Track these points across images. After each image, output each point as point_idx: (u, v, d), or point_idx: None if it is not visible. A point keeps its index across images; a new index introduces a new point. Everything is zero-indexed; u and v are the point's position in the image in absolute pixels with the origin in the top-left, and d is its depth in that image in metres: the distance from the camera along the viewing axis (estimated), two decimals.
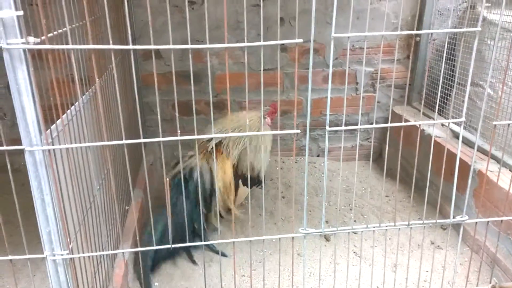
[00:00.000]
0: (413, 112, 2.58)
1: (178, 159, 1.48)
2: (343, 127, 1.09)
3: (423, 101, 1.60)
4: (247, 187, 2.04)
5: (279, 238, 1.16)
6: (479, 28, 1.04)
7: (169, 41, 1.02)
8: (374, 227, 1.22)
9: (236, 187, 2.04)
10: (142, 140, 0.95)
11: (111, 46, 0.85)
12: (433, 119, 2.37)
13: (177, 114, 1.21)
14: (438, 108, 2.38)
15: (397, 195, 2.41)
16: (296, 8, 1.02)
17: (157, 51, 2.34)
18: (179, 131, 1.01)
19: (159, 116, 1.03)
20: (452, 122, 1.19)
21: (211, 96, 2.55)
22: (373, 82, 2.67)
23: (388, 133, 1.21)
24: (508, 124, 1.13)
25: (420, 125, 1.36)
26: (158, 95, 2.46)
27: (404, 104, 2.72)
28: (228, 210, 2.05)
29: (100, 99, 0.87)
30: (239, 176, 2.04)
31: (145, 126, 2.56)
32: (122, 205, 1.69)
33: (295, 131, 1.09)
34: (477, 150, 2.03)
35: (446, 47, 1.72)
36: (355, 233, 2.05)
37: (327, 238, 2.04)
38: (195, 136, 1.02)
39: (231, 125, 2.00)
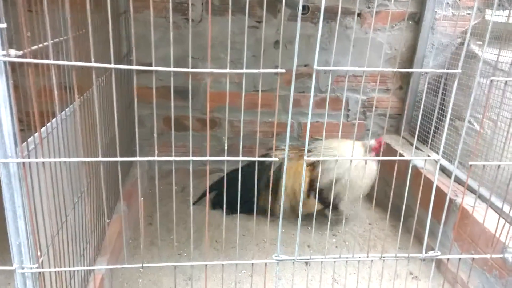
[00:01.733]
0: (402, 142, 2.60)
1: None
2: (321, 158, 1.10)
3: (416, 133, 1.62)
4: (320, 203, 2.21)
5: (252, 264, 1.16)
6: (459, 71, 1.07)
7: (164, 55, 1.04)
8: (347, 257, 1.22)
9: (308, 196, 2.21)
10: (118, 159, 0.95)
11: (92, 64, 0.87)
12: (421, 150, 2.39)
13: (172, 136, 1.22)
14: (427, 140, 2.40)
15: (381, 224, 2.41)
16: (297, 32, 1.04)
17: (150, 64, 2.36)
18: (156, 152, 1.02)
19: (155, 135, 1.04)
20: (430, 159, 1.20)
21: (207, 113, 2.57)
22: (364, 110, 2.69)
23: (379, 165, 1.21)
24: (483, 166, 1.14)
25: (409, 157, 1.38)
26: (149, 109, 2.49)
27: (394, 133, 2.74)
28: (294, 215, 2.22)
29: (79, 115, 0.88)
30: (313, 189, 2.19)
31: (135, 139, 2.56)
32: (102, 219, 1.69)
33: (273, 159, 1.10)
34: (460, 184, 2.05)
35: (426, 83, 1.74)
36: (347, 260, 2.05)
37: (306, 262, 2.03)
38: (169, 158, 1.03)
39: (331, 148, 2.12)
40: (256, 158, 1.08)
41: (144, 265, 1.05)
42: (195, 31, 2.43)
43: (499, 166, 1.16)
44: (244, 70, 1.03)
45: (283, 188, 1.03)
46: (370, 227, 2.41)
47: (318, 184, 1.96)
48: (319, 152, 2.15)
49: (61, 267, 1.12)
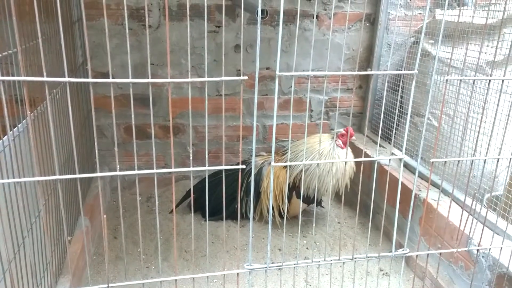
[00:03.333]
0: (366, 140, 2.64)
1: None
2: (288, 163, 1.10)
3: (380, 132, 1.64)
4: (306, 203, 2.27)
5: (224, 275, 1.14)
6: (416, 71, 1.08)
7: (123, 63, 1.00)
8: (319, 262, 1.22)
9: (290, 198, 2.28)
10: (77, 176, 0.91)
11: (44, 79, 0.82)
12: (384, 147, 2.43)
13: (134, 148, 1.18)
14: (388, 137, 2.45)
15: (350, 222, 2.44)
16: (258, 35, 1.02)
17: (107, 73, 2.30)
18: (118, 166, 0.98)
19: (115, 148, 0.99)
20: (394, 158, 1.21)
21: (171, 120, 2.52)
22: (327, 110, 2.72)
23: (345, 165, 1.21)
24: (444, 162, 1.17)
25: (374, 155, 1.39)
26: (109, 119, 2.42)
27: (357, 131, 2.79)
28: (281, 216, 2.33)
29: (33, 131, 0.83)
30: (294, 188, 2.25)
31: (95, 150, 2.47)
32: (62, 237, 1.61)
33: (240, 166, 1.08)
34: (424, 179, 2.10)
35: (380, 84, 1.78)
36: (319, 264, 2.05)
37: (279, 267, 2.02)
38: (135, 172, 0.99)
39: (301, 145, 2.21)
40: (223, 167, 1.05)
41: (110, 284, 1.00)
42: (154, 37, 2.37)
43: (458, 162, 1.19)
44: (206, 79, 1.00)
45: (271, 193, 1.01)
46: (340, 226, 2.43)
47: (288, 180, 1.98)
48: (293, 152, 2.19)
49: None
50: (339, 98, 2.70)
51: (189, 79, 0.98)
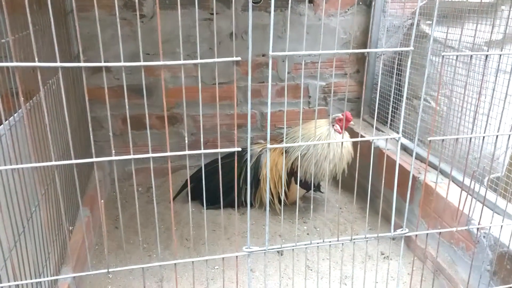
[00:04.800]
0: (364, 125, 2.64)
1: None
2: (284, 144, 1.09)
3: (375, 115, 1.64)
4: (305, 189, 2.28)
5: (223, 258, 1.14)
6: (411, 48, 1.08)
7: (118, 54, 0.99)
8: (318, 243, 1.22)
9: (289, 184, 2.29)
10: (73, 161, 0.91)
11: (37, 64, 0.82)
12: (382, 131, 2.43)
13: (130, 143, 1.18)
14: (386, 120, 2.45)
15: (349, 207, 2.44)
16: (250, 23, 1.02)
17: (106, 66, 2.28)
18: (113, 151, 0.98)
19: (110, 134, 0.99)
20: (390, 137, 1.21)
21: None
22: (325, 96, 2.71)
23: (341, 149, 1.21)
24: (442, 140, 1.17)
25: (372, 138, 1.39)
26: (106, 110, 2.40)
27: (356, 117, 2.78)
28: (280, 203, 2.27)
29: (29, 120, 0.83)
30: (293, 174, 2.26)
31: (93, 141, 2.47)
32: (63, 226, 1.62)
33: (235, 149, 1.08)
34: (424, 162, 2.10)
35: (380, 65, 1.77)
36: (318, 246, 2.06)
37: (280, 252, 2.04)
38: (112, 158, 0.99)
39: (298, 130, 2.22)
40: (218, 150, 1.05)
41: (110, 269, 1.01)
42: (148, 27, 2.36)
43: (456, 139, 1.19)
44: (199, 61, 1.00)
45: (267, 179, 1.02)
46: (339, 211, 2.43)
47: (285, 166, 1.98)
48: (291, 138, 2.20)
49: (21, 280, 1.07)
50: (337, 83, 2.69)
51: (181, 62, 0.97)
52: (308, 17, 2.50)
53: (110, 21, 2.29)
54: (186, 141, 1.07)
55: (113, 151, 0.95)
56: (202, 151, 1.02)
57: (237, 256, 1.13)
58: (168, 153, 0.98)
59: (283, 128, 2.67)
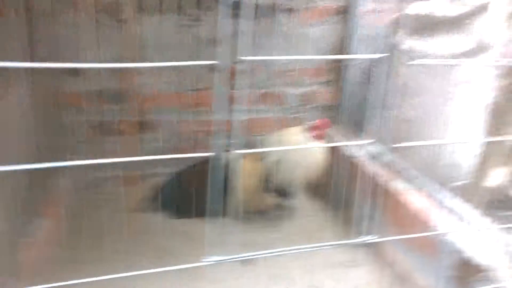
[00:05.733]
0: (340, 133, 2.66)
1: None
2: (248, 150, 1.10)
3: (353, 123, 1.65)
4: (278, 196, 2.25)
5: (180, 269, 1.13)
6: (382, 55, 1.10)
7: (95, 59, 0.98)
8: (280, 251, 1.22)
9: (261, 192, 2.25)
10: (19, 167, 0.89)
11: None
12: (356, 139, 2.45)
13: None
14: (362, 129, 2.47)
15: (320, 214, 2.44)
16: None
17: (76, 69, 2.25)
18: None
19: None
20: (360, 143, 1.23)
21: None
22: (302, 104, 2.73)
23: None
24: (409, 147, 1.19)
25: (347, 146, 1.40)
26: (76, 115, 2.38)
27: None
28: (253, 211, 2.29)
29: None
30: (270, 183, 2.22)
31: (63, 148, 2.42)
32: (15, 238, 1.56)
33: (209, 153, 1.08)
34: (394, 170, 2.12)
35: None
36: (279, 255, 2.06)
37: (251, 261, 2.02)
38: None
39: (274, 138, 2.23)
40: (189, 155, 1.05)
41: (67, 282, 0.98)
42: (128, 32, 2.34)
43: (421, 146, 1.21)
44: (172, 63, 1.01)
45: (236, 186, 1.01)
46: (312, 218, 2.43)
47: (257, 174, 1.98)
48: (266, 146, 2.19)
49: None
50: (315, 91, 2.72)
51: (155, 63, 0.97)
52: (288, 26, 2.52)
53: (89, 25, 2.27)
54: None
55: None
56: (173, 156, 1.02)
57: (196, 267, 1.12)
58: (138, 158, 0.97)
59: (260, 135, 2.69)
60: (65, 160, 1.00)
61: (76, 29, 2.25)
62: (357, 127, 2.56)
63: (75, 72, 2.26)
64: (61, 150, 2.35)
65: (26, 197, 1.71)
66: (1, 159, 1.26)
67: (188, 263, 1.11)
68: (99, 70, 2.22)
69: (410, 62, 1.18)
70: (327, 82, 2.73)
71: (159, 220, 2.30)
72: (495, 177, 1.79)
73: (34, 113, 1.79)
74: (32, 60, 1.90)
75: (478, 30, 1.76)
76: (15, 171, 0.86)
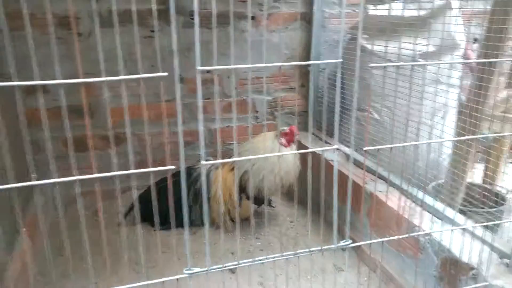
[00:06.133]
0: (312, 138, 2.67)
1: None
2: (219, 160, 1.08)
3: (324, 128, 1.65)
4: (254, 204, 2.23)
5: (163, 282, 1.09)
6: (340, 60, 1.10)
7: (54, 74, 0.94)
8: (261, 260, 1.20)
9: (240, 200, 2.24)
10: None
11: None
12: (328, 143, 2.47)
13: None
14: (333, 133, 2.48)
15: (302, 220, 2.44)
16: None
17: (43, 86, 2.17)
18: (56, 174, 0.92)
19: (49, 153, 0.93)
20: (329, 148, 1.22)
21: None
22: (272, 111, 2.73)
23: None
24: (378, 149, 1.19)
25: (320, 151, 1.39)
26: (47, 132, 2.30)
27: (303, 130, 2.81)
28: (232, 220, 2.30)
29: None
30: (243, 191, 2.23)
31: (33, 166, 2.34)
32: None
33: (170, 167, 1.05)
34: (370, 172, 2.13)
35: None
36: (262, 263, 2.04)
37: (232, 270, 1.99)
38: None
39: (246, 146, 2.24)
40: (151, 169, 1.02)
41: None
42: (86, 45, 2.29)
43: (391, 148, 1.22)
44: (141, 76, 0.98)
45: (204, 196, 0.99)
46: (292, 225, 2.43)
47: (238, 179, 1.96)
48: (239, 154, 2.18)
49: None
50: (283, 98, 2.72)
51: (122, 77, 0.94)
52: (250, 33, 2.52)
53: (44, 39, 2.20)
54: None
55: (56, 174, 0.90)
56: (133, 171, 0.99)
57: (177, 279, 1.09)
58: (115, 173, 0.94)
59: (232, 143, 2.67)
60: (45, 177, 0.98)
61: (38, 45, 2.17)
62: (327, 131, 2.58)
63: (42, 89, 2.18)
64: (37, 167, 2.27)
65: (4, 215, 1.65)
66: None
67: (170, 275, 1.09)
68: (64, 86, 2.14)
69: (375, 65, 1.19)
70: (295, 88, 2.74)
71: (139, 233, 2.25)
72: (473, 175, 1.83)
73: (3, 131, 1.71)
74: None
75: (442, 30, 1.80)
76: None
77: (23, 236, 1.87)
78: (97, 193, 0.99)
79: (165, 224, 2.21)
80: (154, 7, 0.99)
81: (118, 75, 2.53)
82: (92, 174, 0.95)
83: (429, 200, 1.76)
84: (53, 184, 0.92)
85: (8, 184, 0.86)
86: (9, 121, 1.88)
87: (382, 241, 1.47)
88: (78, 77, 0.97)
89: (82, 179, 0.94)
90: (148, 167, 1.02)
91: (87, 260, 2.05)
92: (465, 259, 1.44)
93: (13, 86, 0.86)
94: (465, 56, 2.24)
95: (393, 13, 2.09)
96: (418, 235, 1.63)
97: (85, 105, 0.92)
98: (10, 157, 0.98)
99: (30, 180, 1.97)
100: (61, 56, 2.24)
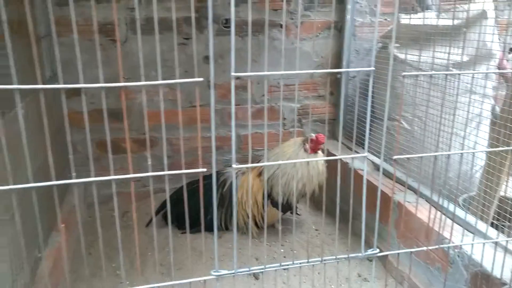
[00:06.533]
0: (338, 145, 2.66)
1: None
2: (250, 165, 1.10)
3: (354, 137, 1.65)
4: (280, 210, 2.22)
5: (190, 283, 1.12)
6: (372, 68, 1.10)
7: (93, 78, 1.00)
8: (287, 265, 1.21)
9: (265, 206, 2.25)
10: (53, 183, 0.89)
11: (16, 86, 0.81)
12: (357, 152, 2.45)
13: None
14: (362, 142, 2.47)
15: (327, 229, 2.43)
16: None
17: (78, 89, 2.27)
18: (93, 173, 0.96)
19: (90, 154, 0.98)
20: (358, 156, 1.22)
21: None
22: (300, 118, 2.74)
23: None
24: (408, 158, 1.18)
25: (344, 158, 1.40)
26: (82, 134, 2.39)
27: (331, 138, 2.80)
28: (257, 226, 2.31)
29: None
30: (270, 197, 2.24)
31: (68, 167, 2.44)
32: (32, 253, 1.57)
33: (201, 169, 1.08)
34: (399, 183, 2.11)
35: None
36: (285, 269, 2.04)
37: (256, 276, 2.01)
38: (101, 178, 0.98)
39: (274, 151, 2.25)
40: (184, 171, 1.05)
41: None
42: (122, 52, 2.37)
43: (421, 158, 1.21)
44: (178, 81, 1.02)
45: (234, 201, 1.01)
46: (317, 233, 2.42)
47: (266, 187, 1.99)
48: (268, 159, 2.20)
49: None
50: (312, 105, 2.73)
51: (159, 82, 0.98)
52: (281, 41, 2.55)
53: (84, 46, 2.30)
54: (149, 162, 1.06)
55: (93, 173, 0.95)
56: (166, 172, 1.02)
57: (205, 280, 1.11)
58: (149, 174, 0.98)
59: (261, 150, 2.69)
60: (80, 176, 1.03)
61: (74, 51, 2.27)
62: (356, 140, 2.56)
63: (78, 92, 2.28)
64: (68, 168, 2.36)
65: (40, 213, 1.73)
66: (15, 178, 1.26)
67: (198, 276, 1.12)
68: (102, 89, 2.23)
69: (408, 73, 1.19)
70: (324, 96, 2.74)
71: (167, 235, 2.30)
72: (505, 188, 1.78)
73: (42, 132, 1.80)
74: (40, 80, 1.91)
75: (477, 39, 1.77)
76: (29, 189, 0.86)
77: (60, 232, 1.94)
78: (132, 194, 1.02)
79: (192, 227, 2.26)
80: (193, 15, 1.03)
81: (152, 79, 2.60)
82: (123, 175, 0.98)
83: (460, 212, 1.72)
84: (83, 184, 0.96)
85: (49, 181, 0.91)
86: (47, 122, 1.97)
87: (411, 252, 1.45)
88: (114, 81, 1.02)
89: (118, 179, 0.98)
90: (180, 169, 1.05)
91: (118, 260, 2.12)
92: (497, 274, 1.40)
93: (56, 89, 0.91)
94: (500, 66, 2.19)
95: (426, 22, 2.06)
96: (448, 247, 1.60)
97: (124, 109, 0.96)
98: (52, 157, 1.03)
99: (66, 178, 2.04)
100: (101, 62, 2.33)
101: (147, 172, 1.01)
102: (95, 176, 1.06)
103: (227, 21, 2.40)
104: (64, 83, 2.44)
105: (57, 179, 1.05)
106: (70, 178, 0.97)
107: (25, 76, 0.86)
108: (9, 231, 1.32)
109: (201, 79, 1.00)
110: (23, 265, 1.46)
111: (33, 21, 1.92)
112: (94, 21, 0.99)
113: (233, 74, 1.00)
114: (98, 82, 0.99)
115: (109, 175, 1.06)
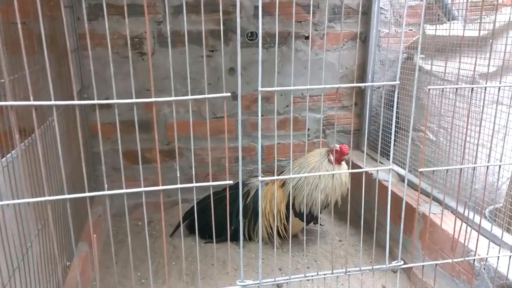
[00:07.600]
0: (362, 156, 2.65)
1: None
2: (275, 177, 1.11)
3: (379, 148, 1.65)
4: (302, 221, 2.21)
5: None
6: (397, 82, 1.11)
7: (120, 90, 1.04)
8: (312, 276, 1.21)
9: (288, 217, 2.25)
10: (67, 196, 0.92)
11: (53, 102, 0.85)
12: (381, 163, 2.44)
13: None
14: (386, 152, 2.45)
15: (351, 240, 2.41)
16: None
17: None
18: (124, 184, 1.00)
19: (121, 164, 1.02)
20: (383, 168, 1.22)
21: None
22: (323, 129, 2.74)
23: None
24: (433, 171, 1.18)
25: (369, 170, 1.40)
26: (108, 145, 2.46)
27: (355, 149, 2.79)
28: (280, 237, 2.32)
29: (20, 156, 0.85)
30: (293, 208, 2.24)
31: (95, 176, 2.50)
32: (62, 261, 1.62)
33: (228, 182, 1.10)
34: (424, 194, 2.09)
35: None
36: (309, 280, 2.04)
37: (279, 286, 2.00)
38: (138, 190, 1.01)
39: (298, 161, 2.27)
40: (211, 183, 1.07)
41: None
42: (148, 64, 2.43)
43: (447, 170, 1.20)
44: (207, 96, 1.04)
45: (260, 212, 1.02)
46: (340, 244, 2.41)
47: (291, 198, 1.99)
48: (289, 170, 2.21)
49: None
50: (336, 116, 2.73)
51: (189, 97, 1.01)
52: (305, 52, 2.57)
53: (112, 59, 2.37)
54: (194, 172, 1.09)
55: (124, 184, 0.98)
56: (194, 184, 1.04)
57: None
58: (178, 186, 1.00)
59: (284, 160, 2.70)
60: (104, 187, 1.07)
61: (104, 64, 2.35)
62: (380, 150, 2.55)
63: (105, 104, 2.36)
64: (90, 178, 2.42)
65: (67, 223, 1.78)
66: (50, 190, 1.31)
67: (222, 286, 1.13)
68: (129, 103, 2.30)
69: (434, 87, 1.18)
70: (348, 106, 2.74)
71: (190, 244, 2.33)
72: None
73: (68, 144, 1.86)
74: (68, 93, 1.99)
75: (503, 51, 1.75)
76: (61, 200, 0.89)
77: (82, 243, 1.99)
78: (161, 204, 1.05)
79: (216, 236, 2.29)
80: (222, 29, 1.05)
81: (178, 92, 2.65)
82: (150, 185, 1.01)
83: (486, 224, 1.69)
84: (110, 195, 0.99)
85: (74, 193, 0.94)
86: (74, 134, 2.04)
87: (436, 264, 1.43)
88: (140, 93, 1.06)
89: (147, 190, 1.01)
90: (201, 182, 1.07)
91: (143, 269, 2.16)
92: None
93: (86, 104, 0.95)
94: None
95: (453, 33, 2.05)
96: (474, 259, 1.57)
97: (155, 123, 0.99)
98: (75, 168, 1.06)
99: (92, 190, 2.09)
100: (124, 74, 2.40)
101: (172, 182, 1.04)
102: (119, 186, 1.09)
103: (252, 34, 2.44)
104: (91, 96, 2.53)
105: (82, 190, 1.09)
106: (94, 189, 1.01)
107: (54, 90, 0.90)
108: (40, 241, 1.37)
109: (228, 94, 1.02)
110: (54, 273, 1.50)
111: (62, 36, 2.00)
112: (128, 37, 1.03)
113: (260, 89, 1.03)
114: (126, 94, 1.03)
115: (134, 185, 1.09)
